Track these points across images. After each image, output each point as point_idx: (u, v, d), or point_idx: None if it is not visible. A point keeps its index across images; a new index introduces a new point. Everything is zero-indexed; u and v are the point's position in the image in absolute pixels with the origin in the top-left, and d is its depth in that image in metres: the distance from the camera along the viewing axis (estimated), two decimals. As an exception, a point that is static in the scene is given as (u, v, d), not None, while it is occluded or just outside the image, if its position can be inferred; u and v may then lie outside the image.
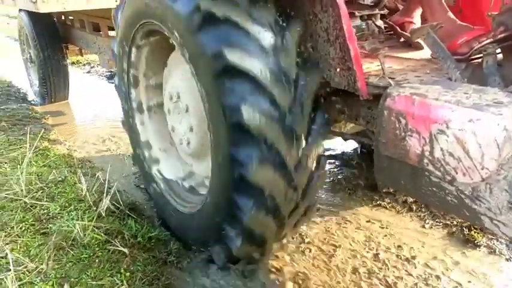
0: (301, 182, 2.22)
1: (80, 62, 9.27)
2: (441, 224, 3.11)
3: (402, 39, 2.73)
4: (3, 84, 7.59)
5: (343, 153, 4.29)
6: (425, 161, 1.61)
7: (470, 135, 1.45)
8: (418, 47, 2.52)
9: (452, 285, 2.56)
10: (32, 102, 6.69)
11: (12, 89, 7.30)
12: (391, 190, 3.41)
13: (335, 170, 4.01)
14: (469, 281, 2.57)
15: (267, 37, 2.02)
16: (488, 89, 1.63)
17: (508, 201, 1.42)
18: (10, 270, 2.47)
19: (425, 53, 2.40)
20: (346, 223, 3.18)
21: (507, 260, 2.74)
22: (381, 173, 1.86)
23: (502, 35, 1.86)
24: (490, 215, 1.46)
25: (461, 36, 2.10)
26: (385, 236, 3.01)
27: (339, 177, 3.85)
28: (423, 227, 3.10)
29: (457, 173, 1.51)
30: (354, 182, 3.72)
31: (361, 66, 1.95)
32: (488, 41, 1.93)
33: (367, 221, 3.19)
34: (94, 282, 2.44)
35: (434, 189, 1.62)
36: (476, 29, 2.12)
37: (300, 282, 2.58)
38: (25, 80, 7.08)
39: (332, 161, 4.15)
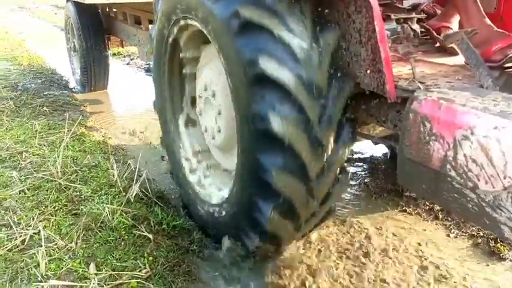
0: (321, 192, 2.25)
1: (121, 54, 9.53)
2: (467, 234, 3.04)
3: (438, 45, 2.69)
4: (47, 71, 7.90)
5: (371, 157, 4.26)
6: (448, 166, 1.60)
7: (494, 142, 1.43)
8: (453, 53, 2.47)
9: (473, 297, 2.51)
10: (73, 89, 6.94)
11: (56, 76, 7.59)
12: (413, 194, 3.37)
13: (362, 173, 3.98)
14: (491, 294, 2.52)
15: (301, 47, 2.03)
16: (518, 98, 1.60)
17: (529, 212, 1.40)
18: (42, 246, 2.62)
19: (460, 59, 2.36)
20: (368, 227, 3.16)
21: (534, 276, 2.66)
22: (403, 176, 1.86)
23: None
24: (510, 224, 1.44)
25: (496, 43, 2.06)
26: (409, 242, 2.98)
27: (365, 180, 3.82)
28: (448, 236, 3.05)
29: (479, 180, 1.50)
30: (380, 187, 3.69)
31: (391, 69, 1.94)
32: (523, 49, 1.89)
33: (391, 227, 3.16)
34: (118, 264, 2.55)
35: (455, 195, 1.61)
36: (513, 36, 2.08)
37: (312, 281, 2.60)
38: (68, 68, 7.36)
39: (360, 164, 4.12)
